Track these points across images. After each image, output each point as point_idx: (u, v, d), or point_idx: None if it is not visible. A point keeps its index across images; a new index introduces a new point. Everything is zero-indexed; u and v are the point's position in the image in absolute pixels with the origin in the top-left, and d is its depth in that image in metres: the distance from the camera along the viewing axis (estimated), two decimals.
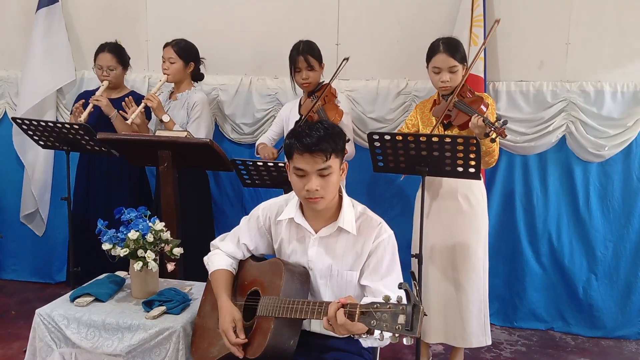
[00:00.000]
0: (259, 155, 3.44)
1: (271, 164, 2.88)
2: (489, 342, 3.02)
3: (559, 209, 3.61)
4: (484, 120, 2.62)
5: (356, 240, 2.01)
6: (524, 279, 3.70)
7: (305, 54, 3.24)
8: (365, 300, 1.83)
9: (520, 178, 3.65)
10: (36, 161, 4.17)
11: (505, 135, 2.63)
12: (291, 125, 3.30)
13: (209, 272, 2.18)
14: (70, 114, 3.63)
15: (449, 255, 2.95)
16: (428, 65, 2.93)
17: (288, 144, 1.94)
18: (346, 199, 2.05)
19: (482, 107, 2.76)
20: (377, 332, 1.62)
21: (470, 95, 2.87)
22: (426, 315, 2.77)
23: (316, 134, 1.88)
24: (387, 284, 1.95)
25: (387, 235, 2.01)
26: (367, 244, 1.99)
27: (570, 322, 3.65)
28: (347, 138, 2.95)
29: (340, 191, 2.05)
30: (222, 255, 2.19)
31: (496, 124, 2.59)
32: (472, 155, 2.54)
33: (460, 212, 2.92)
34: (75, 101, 3.69)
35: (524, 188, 3.65)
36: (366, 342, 1.91)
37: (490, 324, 3.10)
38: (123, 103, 3.41)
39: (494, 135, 2.60)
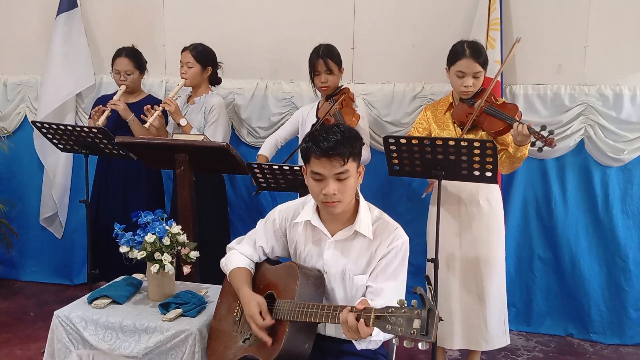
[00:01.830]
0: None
1: (287, 168, 2.88)
2: (508, 342, 3.02)
3: (578, 213, 3.57)
4: (529, 129, 2.60)
5: (371, 244, 2.00)
6: (541, 283, 3.67)
7: (325, 58, 3.24)
8: (368, 297, 1.83)
9: (538, 182, 3.62)
10: (57, 165, 4.23)
11: (555, 145, 2.60)
12: (307, 128, 3.31)
13: (227, 272, 2.18)
14: (89, 117, 3.67)
15: (471, 260, 2.93)
16: (450, 67, 2.89)
17: (305, 148, 1.95)
18: (363, 203, 2.05)
19: (517, 115, 2.73)
20: (375, 333, 1.63)
21: (495, 100, 2.85)
22: (442, 320, 2.78)
23: (333, 138, 1.88)
24: (389, 286, 1.95)
25: (401, 241, 2.00)
26: (381, 248, 1.99)
27: (589, 328, 3.60)
28: (363, 142, 2.96)
29: (357, 195, 2.05)
30: (239, 255, 2.20)
31: (542, 132, 2.57)
32: (488, 159, 2.52)
33: (483, 214, 2.90)
34: (94, 106, 3.74)
35: (542, 192, 3.62)
36: (360, 345, 1.90)
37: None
38: (145, 109, 3.43)
39: (540, 145, 2.58)
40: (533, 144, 2.62)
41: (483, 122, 2.81)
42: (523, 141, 2.64)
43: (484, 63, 2.84)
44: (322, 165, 1.89)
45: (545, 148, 3.45)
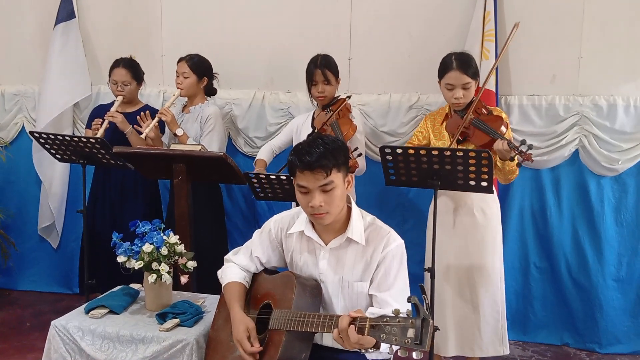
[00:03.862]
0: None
1: (284, 178, 2.90)
2: (507, 352, 2.99)
3: (573, 223, 3.58)
4: (509, 144, 2.62)
5: (365, 250, 2.01)
6: (538, 293, 3.68)
7: (322, 68, 3.26)
8: (372, 310, 1.85)
9: (534, 192, 3.63)
10: (53, 175, 4.24)
11: (532, 160, 2.63)
12: (302, 137, 3.32)
13: (223, 285, 2.19)
14: (86, 127, 3.69)
15: (466, 270, 2.94)
16: (440, 80, 2.94)
17: (290, 162, 1.97)
18: (355, 210, 2.06)
19: (503, 127, 2.75)
20: (384, 346, 1.63)
21: (485, 112, 2.87)
22: (439, 329, 2.78)
23: (316, 151, 1.90)
24: (393, 294, 1.96)
25: (395, 244, 2.01)
26: (376, 254, 2.00)
27: (585, 338, 3.60)
28: (359, 152, 2.97)
29: (349, 202, 2.06)
30: (235, 268, 2.20)
31: (521, 147, 2.59)
32: (484, 169, 2.54)
33: (477, 225, 2.91)
34: (90, 115, 3.76)
35: (537, 202, 3.63)
36: (370, 355, 1.91)
37: None
38: (138, 117, 3.45)
39: (519, 160, 2.60)
40: (512, 159, 2.64)
41: (472, 135, 2.83)
42: (505, 156, 2.66)
43: (473, 74, 2.86)
44: (305, 178, 1.91)
45: (537, 159, 3.51)
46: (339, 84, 3.37)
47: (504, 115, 2.91)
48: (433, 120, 3.08)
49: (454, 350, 3.00)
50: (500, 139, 2.68)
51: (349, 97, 3.28)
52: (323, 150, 1.90)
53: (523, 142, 2.60)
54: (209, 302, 2.50)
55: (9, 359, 3.40)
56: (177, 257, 2.41)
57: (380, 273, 1.99)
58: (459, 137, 2.87)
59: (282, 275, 2.11)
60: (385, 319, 1.61)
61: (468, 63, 2.87)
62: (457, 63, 2.85)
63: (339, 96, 3.37)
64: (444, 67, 2.90)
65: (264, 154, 3.52)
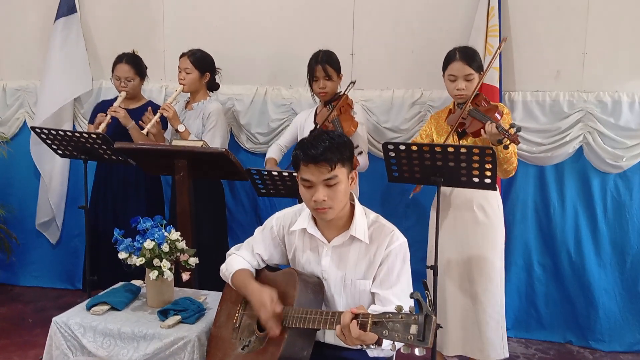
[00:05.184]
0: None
1: (286, 174, 2.89)
2: (507, 355, 2.98)
3: (577, 220, 3.56)
4: (497, 127, 2.61)
5: (368, 248, 2.00)
6: (541, 290, 3.66)
7: (323, 64, 3.25)
8: (374, 307, 1.84)
9: (537, 189, 3.62)
10: (53, 170, 4.23)
11: (519, 142, 2.62)
12: (305, 134, 3.31)
13: (230, 275, 2.15)
14: (89, 123, 3.67)
15: (466, 267, 2.93)
16: (444, 73, 2.93)
17: (294, 156, 1.96)
18: (358, 208, 2.05)
19: (497, 114, 2.74)
20: (386, 343, 1.62)
21: (485, 104, 2.86)
22: (441, 327, 2.77)
23: (321, 145, 1.89)
24: (396, 292, 1.95)
25: (398, 243, 2.00)
26: (379, 252, 1.99)
27: (588, 336, 3.59)
28: (359, 150, 2.96)
29: (352, 200, 2.05)
30: (239, 258, 2.19)
31: (510, 130, 2.58)
32: (487, 166, 2.52)
33: (477, 223, 2.90)
34: (93, 111, 3.75)
35: (540, 199, 3.62)
36: (372, 352, 1.91)
37: (507, 336, 3.06)
38: (144, 117, 3.43)
39: (507, 142, 2.59)
40: (500, 142, 2.62)
41: (469, 124, 2.83)
42: (494, 140, 2.65)
43: (477, 67, 2.86)
44: (310, 171, 1.90)
45: (541, 155, 3.50)
46: (341, 80, 3.35)
47: (500, 105, 2.90)
48: (437, 118, 3.07)
49: (454, 350, 2.99)
50: (490, 122, 2.67)
51: (353, 82, 3.21)
52: (329, 145, 1.89)
53: (512, 125, 2.60)
54: (210, 298, 2.49)
55: (10, 355, 3.40)
56: (178, 254, 2.40)
57: (383, 271, 1.98)
58: (458, 130, 2.86)
59: (284, 272, 2.10)
60: (387, 316, 1.60)
61: (471, 55, 2.88)
62: (460, 54, 2.86)
63: (340, 91, 3.36)
64: (448, 59, 2.92)
65: (274, 152, 3.50)
